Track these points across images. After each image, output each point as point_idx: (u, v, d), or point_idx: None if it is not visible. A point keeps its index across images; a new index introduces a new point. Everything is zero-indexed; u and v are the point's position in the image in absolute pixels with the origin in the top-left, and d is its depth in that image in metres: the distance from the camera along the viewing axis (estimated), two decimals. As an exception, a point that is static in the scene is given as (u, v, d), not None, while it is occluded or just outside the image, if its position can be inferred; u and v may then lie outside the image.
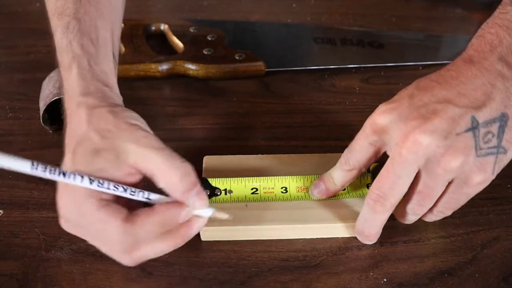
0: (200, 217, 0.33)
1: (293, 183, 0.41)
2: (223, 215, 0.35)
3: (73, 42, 0.38)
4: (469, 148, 0.32)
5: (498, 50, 0.34)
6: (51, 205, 0.41)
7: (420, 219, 0.38)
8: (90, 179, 0.31)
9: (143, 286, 0.36)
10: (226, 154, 0.46)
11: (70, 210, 0.33)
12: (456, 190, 0.34)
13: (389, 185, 0.34)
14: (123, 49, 0.58)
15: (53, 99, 0.45)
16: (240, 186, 0.40)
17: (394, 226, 0.40)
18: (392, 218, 0.40)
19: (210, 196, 0.40)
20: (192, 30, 0.62)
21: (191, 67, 0.56)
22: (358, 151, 0.36)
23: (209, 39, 0.60)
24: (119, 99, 0.38)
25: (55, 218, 0.40)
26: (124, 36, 0.60)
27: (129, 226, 0.32)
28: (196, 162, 0.45)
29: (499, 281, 0.37)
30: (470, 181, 0.33)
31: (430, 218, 0.38)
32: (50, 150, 0.47)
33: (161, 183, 0.33)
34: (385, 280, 0.37)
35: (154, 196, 0.34)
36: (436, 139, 0.32)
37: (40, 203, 0.42)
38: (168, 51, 0.61)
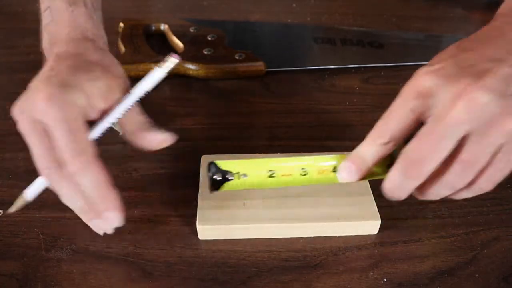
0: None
1: (313, 163, 0.35)
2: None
3: None
4: None
5: None
6: (51, 205, 0.41)
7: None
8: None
9: (143, 286, 0.36)
10: (226, 154, 0.46)
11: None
12: (504, 157, 0.31)
13: (430, 148, 0.30)
14: (123, 49, 0.58)
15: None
16: (255, 169, 0.35)
17: (394, 226, 0.40)
18: (392, 218, 0.40)
19: (221, 182, 0.35)
20: (192, 30, 0.62)
21: (191, 67, 0.56)
22: (396, 120, 0.32)
23: (209, 39, 0.60)
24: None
25: (55, 218, 0.40)
26: (124, 36, 0.60)
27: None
28: (195, 162, 0.46)
29: (499, 281, 0.37)
30: None
31: (464, 195, 0.34)
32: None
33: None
34: (385, 280, 0.37)
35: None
36: (494, 98, 0.29)
37: (40, 203, 0.42)
38: (168, 51, 0.61)
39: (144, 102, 0.53)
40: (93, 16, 0.42)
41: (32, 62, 0.59)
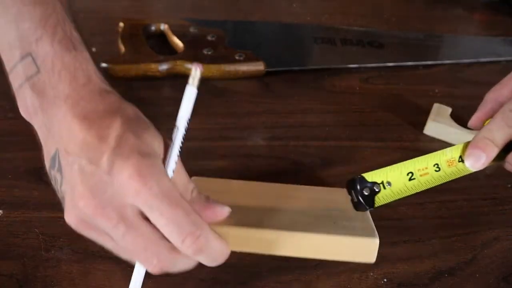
0: None
1: (442, 157, 0.34)
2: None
3: (66, 22, 0.34)
4: None
5: None
6: (51, 205, 0.41)
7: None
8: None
9: (143, 286, 0.36)
10: (226, 154, 0.46)
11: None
12: None
13: None
14: (123, 49, 0.58)
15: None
16: (397, 174, 0.34)
17: (394, 226, 0.40)
18: (392, 218, 0.40)
19: (371, 196, 0.34)
20: (192, 30, 0.62)
21: (191, 67, 0.56)
22: None
23: (209, 39, 0.60)
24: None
25: (55, 218, 0.40)
26: (124, 36, 0.60)
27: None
28: (195, 162, 0.45)
29: (499, 281, 0.37)
30: None
31: None
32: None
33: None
34: (385, 280, 0.37)
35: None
36: None
37: (40, 203, 0.42)
38: (168, 51, 0.61)
39: (145, 102, 0.53)
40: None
41: (32, 62, 0.60)
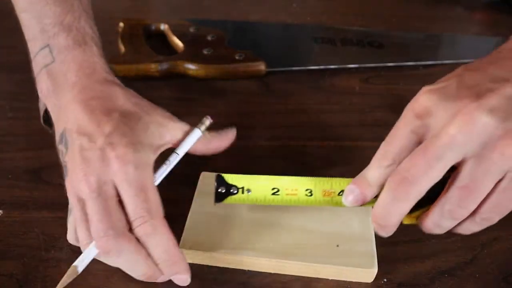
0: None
1: (319, 186, 0.35)
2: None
3: (81, 20, 0.40)
4: None
5: None
6: (51, 205, 0.41)
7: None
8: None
9: (143, 286, 0.36)
10: (226, 154, 0.45)
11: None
12: (509, 186, 0.28)
13: (422, 168, 0.28)
14: (123, 49, 0.58)
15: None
16: (260, 185, 0.36)
17: (394, 226, 0.40)
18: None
19: (225, 195, 0.36)
20: (192, 30, 0.62)
21: (191, 67, 0.56)
22: (398, 141, 0.30)
23: (209, 39, 0.60)
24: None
25: (55, 218, 0.40)
26: (124, 36, 0.60)
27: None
28: (195, 162, 0.45)
29: (499, 281, 0.37)
30: None
31: (469, 229, 0.32)
32: (50, 150, 0.47)
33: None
34: (385, 280, 0.37)
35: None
36: (494, 119, 0.26)
37: (40, 203, 0.42)
38: (168, 51, 0.61)
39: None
40: (103, 55, 0.41)
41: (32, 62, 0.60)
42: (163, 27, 0.63)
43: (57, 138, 0.38)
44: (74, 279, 0.36)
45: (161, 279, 0.34)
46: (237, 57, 0.57)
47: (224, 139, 0.40)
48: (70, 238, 0.36)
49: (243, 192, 0.36)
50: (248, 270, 0.37)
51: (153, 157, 0.35)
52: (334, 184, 0.35)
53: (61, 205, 0.41)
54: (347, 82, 0.57)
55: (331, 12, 0.72)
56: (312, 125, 0.51)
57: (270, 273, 0.37)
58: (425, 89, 0.30)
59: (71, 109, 0.36)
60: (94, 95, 0.36)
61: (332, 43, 0.63)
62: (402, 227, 0.40)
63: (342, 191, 0.35)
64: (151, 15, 0.71)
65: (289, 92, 0.56)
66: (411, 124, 0.30)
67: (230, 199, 0.36)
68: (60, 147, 0.37)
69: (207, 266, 0.37)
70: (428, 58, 0.60)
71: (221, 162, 0.46)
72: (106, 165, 0.33)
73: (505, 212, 0.30)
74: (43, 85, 0.39)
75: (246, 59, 0.57)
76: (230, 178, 0.36)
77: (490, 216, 0.30)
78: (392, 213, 0.31)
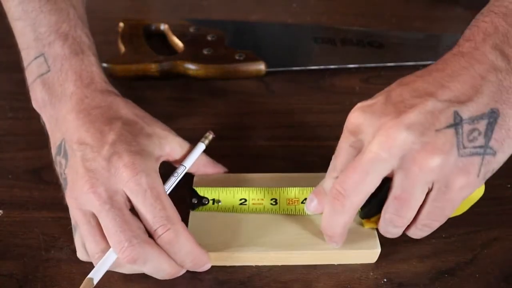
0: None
1: (284, 195, 0.39)
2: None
3: (76, 29, 0.39)
4: (450, 146, 0.28)
5: (493, 38, 0.30)
6: (51, 205, 0.41)
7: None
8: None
9: (143, 286, 0.36)
10: (226, 154, 0.46)
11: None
12: (437, 196, 0.30)
13: (353, 182, 0.30)
14: (123, 49, 0.58)
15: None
16: (228, 196, 0.39)
17: (394, 226, 0.40)
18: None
19: (197, 205, 0.39)
20: (192, 30, 0.62)
21: (191, 67, 0.56)
22: (342, 155, 0.34)
23: (209, 39, 0.60)
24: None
25: (55, 218, 0.40)
26: (124, 36, 0.60)
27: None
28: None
29: (499, 281, 0.37)
30: (452, 184, 0.29)
31: (416, 234, 0.34)
32: (50, 150, 0.47)
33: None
34: (385, 280, 0.37)
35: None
36: (412, 134, 0.28)
37: (40, 203, 0.42)
38: (168, 51, 0.61)
39: (145, 102, 0.53)
40: (100, 65, 0.40)
41: (32, 62, 0.60)
42: (163, 27, 0.63)
43: (54, 150, 0.37)
44: (74, 280, 0.36)
45: (181, 272, 0.35)
46: (237, 57, 0.57)
47: (216, 168, 0.42)
48: (81, 255, 0.35)
49: (213, 203, 0.39)
50: (249, 270, 0.37)
51: (156, 166, 0.35)
52: (297, 193, 0.39)
53: (61, 205, 0.41)
54: (347, 82, 0.57)
55: (331, 12, 0.72)
56: (312, 125, 0.51)
57: (270, 273, 0.37)
58: (357, 106, 0.32)
59: (70, 120, 0.35)
60: (95, 105, 0.36)
61: (332, 43, 0.63)
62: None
63: (305, 199, 0.38)
64: (151, 15, 0.71)
65: (289, 92, 0.56)
66: (348, 140, 0.33)
67: (202, 208, 0.39)
68: (58, 159, 0.36)
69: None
70: (428, 58, 0.60)
71: (220, 162, 0.46)
72: (114, 174, 0.32)
73: (443, 219, 0.32)
74: (38, 95, 0.38)
75: (246, 59, 0.57)
76: (202, 190, 0.39)
77: (429, 222, 0.32)
78: (335, 224, 0.33)
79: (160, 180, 0.34)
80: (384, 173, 0.30)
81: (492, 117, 0.29)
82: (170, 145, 0.38)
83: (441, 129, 0.29)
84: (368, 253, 0.37)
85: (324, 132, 0.50)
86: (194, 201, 0.39)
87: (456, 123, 0.29)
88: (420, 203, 0.31)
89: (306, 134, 0.50)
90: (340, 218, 0.32)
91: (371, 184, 0.30)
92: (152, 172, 0.34)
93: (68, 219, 0.40)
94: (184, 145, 0.39)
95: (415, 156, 0.29)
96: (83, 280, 0.36)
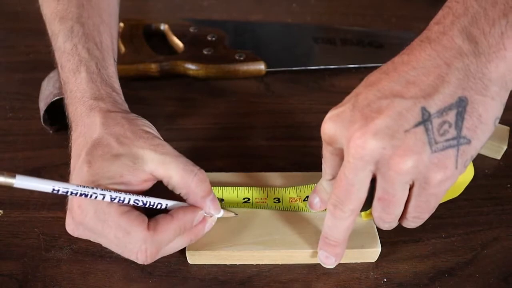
0: (211, 216, 0.36)
1: (286, 194, 0.40)
2: (230, 214, 0.38)
3: (78, 46, 0.39)
4: (422, 145, 0.28)
5: (461, 20, 0.29)
6: (51, 205, 0.41)
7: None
8: (111, 197, 0.31)
9: (143, 286, 0.36)
10: (226, 154, 0.46)
11: (88, 215, 0.32)
12: (420, 192, 0.30)
13: (345, 192, 0.31)
14: (123, 49, 0.58)
15: (54, 99, 0.45)
16: (231, 195, 0.39)
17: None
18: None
19: None
20: (192, 30, 0.62)
21: (191, 67, 0.56)
22: (327, 161, 0.34)
23: (209, 39, 0.60)
24: (125, 104, 0.39)
25: (55, 218, 0.40)
26: (124, 36, 0.60)
27: (152, 234, 0.32)
28: (196, 162, 0.45)
29: (499, 281, 0.37)
30: (430, 180, 0.29)
31: (409, 225, 0.34)
32: (50, 150, 0.47)
33: (178, 190, 0.34)
34: (385, 280, 0.37)
35: (171, 204, 0.35)
36: (380, 141, 0.28)
37: (40, 203, 0.42)
38: (168, 51, 0.61)
39: (145, 102, 0.54)
40: (97, 79, 0.38)
41: (32, 62, 0.60)
42: (163, 27, 0.63)
43: None
44: (74, 280, 0.36)
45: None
46: (237, 57, 0.57)
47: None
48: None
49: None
50: (249, 270, 0.37)
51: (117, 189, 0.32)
52: (300, 191, 0.40)
53: (61, 205, 0.41)
54: (347, 82, 0.57)
55: (331, 12, 0.72)
56: (312, 125, 0.51)
57: (270, 273, 0.37)
58: (327, 116, 0.33)
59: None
60: (78, 133, 0.36)
61: (332, 43, 0.63)
62: (401, 227, 0.40)
63: (307, 197, 0.39)
64: (151, 15, 0.71)
65: (289, 92, 0.56)
66: (328, 149, 0.33)
67: None
68: None
69: (207, 266, 0.37)
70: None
71: (221, 162, 0.46)
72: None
73: (431, 209, 0.32)
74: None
75: (246, 59, 0.57)
76: None
77: (418, 215, 0.32)
78: (338, 230, 0.33)
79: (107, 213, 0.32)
80: (367, 178, 0.30)
81: (461, 105, 0.28)
82: (149, 165, 0.33)
83: (410, 129, 0.28)
84: (368, 252, 0.37)
85: (324, 132, 0.50)
86: None
87: (425, 119, 0.28)
88: (405, 199, 0.31)
89: (306, 134, 0.50)
90: (342, 223, 0.33)
91: (361, 191, 0.31)
92: (101, 204, 0.31)
93: (68, 219, 0.40)
94: (170, 162, 0.33)
95: (388, 161, 0.28)
96: (83, 279, 0.36)
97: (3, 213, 0.41)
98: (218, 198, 0.38)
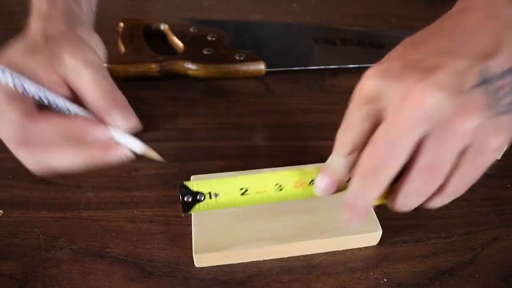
0: (121, 146, 0.32)
1: (289, 178, 0.34)
2: (153, 154, 0.33)
3: None
4: (483, 106, 0.26)
5: None
6: (51, 205, 0.41)
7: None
8: (11, 75, 0.30)
9: (143, 286, 0.36)
10: (226, 154, 0.46)
11: None
12: (471, 159, 0.27)
13: (383, 156, 0.27)
14: (123, 49, 0.58)
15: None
16: (227, 188, 0.34)
17: (394, 226, 0.40)
18: (392, 218, 0.40)
19: (192, 204, 0.33)
20: (192, 30, 0.62)
21: (191, 67, 0.56)
22: (352, 129, 0.30)
23: (209, 39, 0.60)
24: (87, 13, 0.39)
25: (55, 218, 0.40)
26: (124, 36, 0.60)
27: (26, 120, 0.31)
28: (195, 162, 0.46)
29: (499, 281, 0.37)
30: (487, 146, 0.27)
31: (438, 202, 0.31)
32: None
33: (85, 99, 0.32)
34: (385, 280, 0.37)
35: (73, 108, 0.32)
36: (446, 96, 0.25)
37: (40, 203, 0.42)
38: (168, 51, 0.61)
39: (145, 102, 0.54)
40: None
41: (32, 62, 0.60)
42: (163, 27, 0.63)
43: None
44: (74, 280, 0.36)
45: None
46: (237, 57, 0.57)
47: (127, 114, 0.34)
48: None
49: (210, 197, 0.33)
50: (249, 270, 0.37)
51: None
52: (304, 174, 0.34)
53: (61, 205, 0.41)
54: (347, 82, 0.57)
55: (331, 12, 0.72)
56: (312, 125, 0.51)
57: (270, 273, 0.37)
58: (369, 72, 0.29)
59: None
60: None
61: (332, 43, 0.63)
62: (401, 227, 0.40)
63: (313, 180, 0.34)
64: (151, 15, 0.71)
65: (289, 92, 0.56)
66: (362, 110, 0.29)
67: (198, 207, 0.33)
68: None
69: (207, 265, 0.37)
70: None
71: (220, 162, 0.46)
72: None
73: (470, 183, 0.29)
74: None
75: (246, 59, 0.57)
76: (195, 185, 0.33)
77: (457, 188, 0.30)
78: (365, 200, 0.30)
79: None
80: (414, 141, 0.27)
81: None
82: (62, 69, 0.32)
83: (472, 88, 0.26)
84: (370, 236, 0.37)
85: (324, 132, 0.50)
86: (187, 199, 0.33)
87: (486, 80, 0.26)
88: (450, 169, 0.28)
89: (306, 134, 0.50)
90: (371, 193, 0.29)
91: (403, 155, 0.27)
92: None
93: (68, 219, 0.40)
94: (84, 73, 0.32)
95: (451, 120, 0.26)
96: (83, 279, 0.36)
97: (3, 213, 0.41)
98: (211, 193, 0.34)
